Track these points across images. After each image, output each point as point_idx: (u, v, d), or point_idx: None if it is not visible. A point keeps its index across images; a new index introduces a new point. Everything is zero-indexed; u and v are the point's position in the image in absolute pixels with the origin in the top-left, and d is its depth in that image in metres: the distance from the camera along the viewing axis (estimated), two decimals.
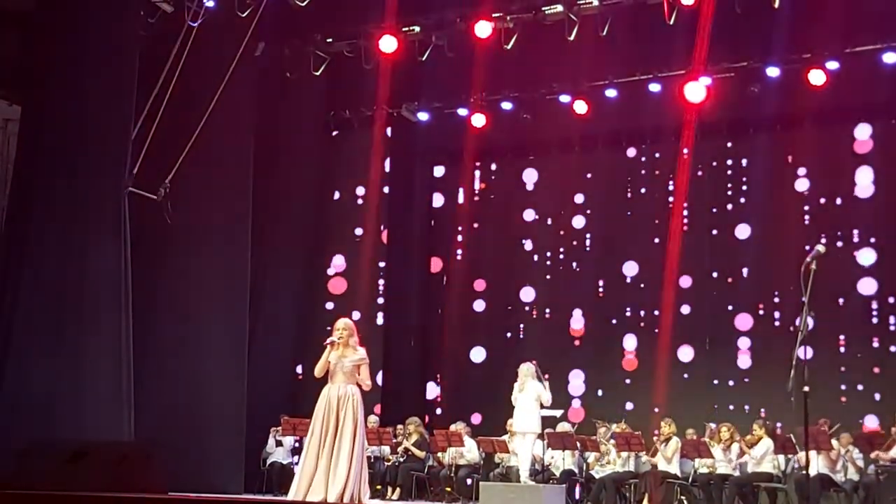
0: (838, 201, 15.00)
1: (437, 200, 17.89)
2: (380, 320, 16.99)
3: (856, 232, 14.77)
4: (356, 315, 15.65)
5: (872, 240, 14.67)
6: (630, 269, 16.20)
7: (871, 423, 13.76)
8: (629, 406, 15.22)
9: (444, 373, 17.01)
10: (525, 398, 12.40)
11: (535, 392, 12.37)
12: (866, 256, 14.63)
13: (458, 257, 17.31)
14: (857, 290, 14.55)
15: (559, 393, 13.08)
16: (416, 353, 17.28)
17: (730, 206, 15.71)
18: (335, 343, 9.26)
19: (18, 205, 11.68)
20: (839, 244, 14.66)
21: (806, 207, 15.18)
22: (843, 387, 14.18)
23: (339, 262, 16.92)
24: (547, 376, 12.91)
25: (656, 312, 15.78)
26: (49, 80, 11.83)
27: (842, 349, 14.40)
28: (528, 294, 16.95)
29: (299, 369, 15.81)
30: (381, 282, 17.11)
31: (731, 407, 14.58)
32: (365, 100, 16.17)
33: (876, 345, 14.42)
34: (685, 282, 15.65)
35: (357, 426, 9.07)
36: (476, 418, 15.95)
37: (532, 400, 12.36)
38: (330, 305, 16.47)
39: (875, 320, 14.50)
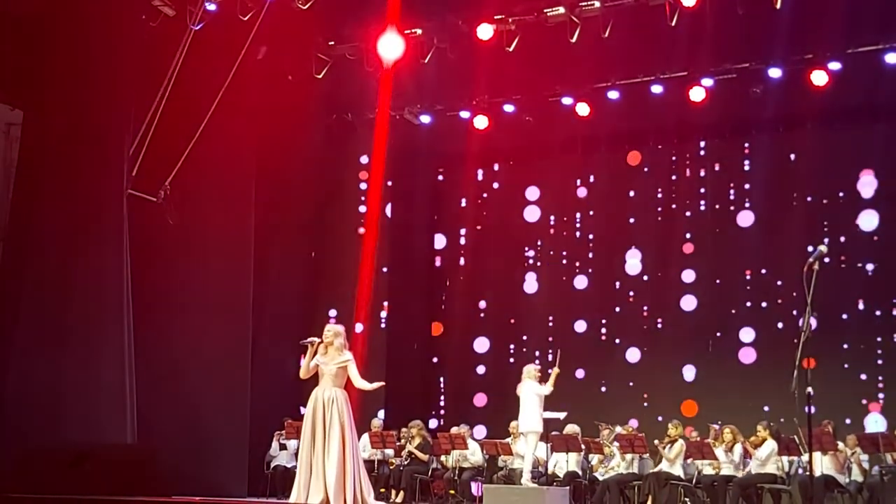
0: (841, 201, 15.00)
1: (440, 203, 17.90)
2: (383, 323, 17.00)
3: (858, 232, 14.75)
4: (359, 319, 15.68)
5: (875, 240, 14.67)
6: (632, 270, 16.21)
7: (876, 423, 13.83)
8: (631, 408, 15.22)
9: (448, 376, 17.00)
10: (524, 398, 12.39)
11: (531, 391, 12.34)
12: (869, 256, 14.62)
13: (462, 259, 17.32)
14: (861, 290, 14.55)
15: (562, 395, 13.05)
16: (419, 356, 17.29)
17: (732, 207, 15.71)
18: (315, 343, 9.34)
19: (22, 208, 11.70)
20: (842, 240, 14.67)
21: (808, 208, 15.17)
22: (847, 387, 14.16)
23: (341, 265, 16.89)
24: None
25: (659, 313, 15.80)
26: (51, 84, 11.85)
27: (845, 347, 14.37)
28: (531, 295, 16.95)
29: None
30: (385, 285, 17.10)
31: (735, 408, 14.55)
32: (367, 103, 16.15)
33: (879, 344, 14.43)
34: (688, 283, 15.66)
35: (344, 428, 9.11)
36: (480, 427, 16.03)
37: (530, 400, 12.33)
38: (333, 308, 16.47)
39: (879, 320, 14.49)
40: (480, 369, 16.96)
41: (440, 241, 17.82)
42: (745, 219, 15.57)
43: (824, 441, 11.60)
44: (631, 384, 15.74)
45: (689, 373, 15.47)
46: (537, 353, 16.08)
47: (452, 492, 13.70)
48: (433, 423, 16.44)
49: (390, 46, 13.41)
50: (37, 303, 11.23)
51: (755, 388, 14.45)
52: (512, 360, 16.52)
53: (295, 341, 15.61)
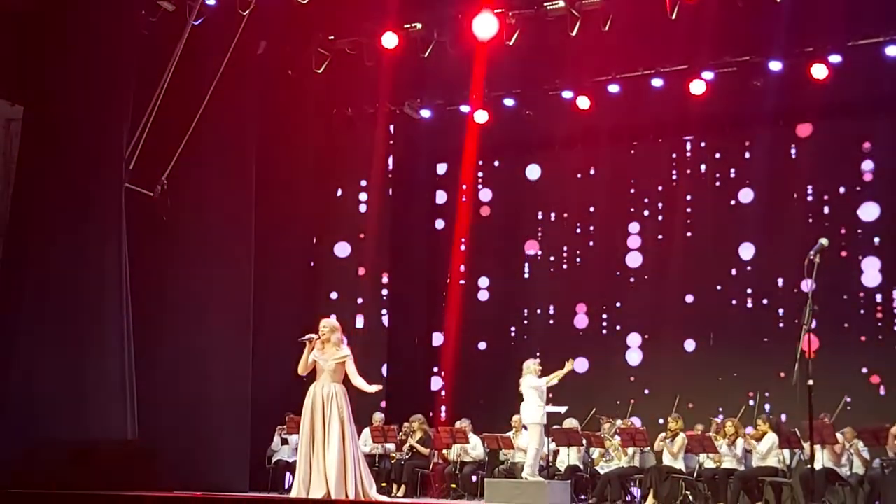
0: (842, 193, 15.00)
1: (440, 197, 17.91)
2: (384, 317, 17.01)
3: (859, 224, 14.76)
4: (359, 313, 15.68)
5: (876, 233, 14.68)
6: (633, 263, 16.23)
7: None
8: (633, 402, 15.23)
9: (449, 370, 17.02)
10: (525, 391, 12.41)
11: (528, 385, 12.34)
12: (870, 249, 14.63)
13: (462, 253, 17.31)
14: (862, 283, 14.58)
15: (562, 389, 13.08)
16: (420, 350, 17.30)
17: (732, 201, 15.72)
18: (312, 340, 9.38)
19: (22, 204, 11.71)
20: (843, 232, 14.68)
21: (809, 201, 15.18)
22: (847, 377, 14.15)
23: (342, 259, 16.91)
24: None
25: (659, 303, 15.82)
26: (51, 80, 11.84)
27: (845, 341, 14.37)
28: (531, 289, 16.97)
29: None
30: (385, 279, 17.12)
31: (736, 401, 14.57)
32: (367, 97, 16.14)
33: (880, 337, 14.44)
34: (688, 276, 15.67)
35: (344, 422, 9.14)
36: (481, 415, 16.04)
37: (529, 394, 12.33)
38: (334, 292, 16.50)
39: (879, 312, 14.52)
40: (482, 364, 16.96)
41: (441, 234, 17.80)
42: (745, 213, 15.57)
43: (825, 434, 11.61)
44: (632, 370, 15.77)
45: (689, 360, 15.49)
46: (537, 353, 16.09)
47: (454, 486, 13.72)
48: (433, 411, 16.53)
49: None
50: (38, 298, 11.23)
51: (756, 378, 14.47)
52: (512, 354, 16.52)
53: (296, 335, 15.72)
